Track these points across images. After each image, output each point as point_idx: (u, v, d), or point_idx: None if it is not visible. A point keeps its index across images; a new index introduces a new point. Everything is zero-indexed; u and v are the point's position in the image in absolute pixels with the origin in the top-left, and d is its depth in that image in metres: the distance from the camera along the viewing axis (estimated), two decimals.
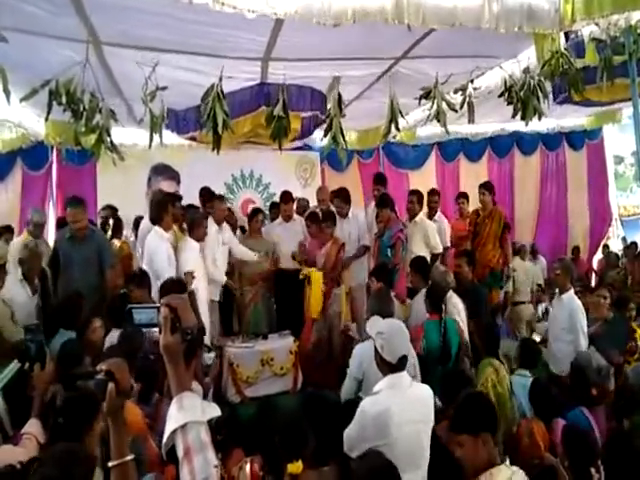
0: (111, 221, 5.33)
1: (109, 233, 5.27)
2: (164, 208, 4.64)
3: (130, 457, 1.45)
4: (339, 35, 2.85)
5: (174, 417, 1.32)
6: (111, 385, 1.41)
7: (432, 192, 6.48)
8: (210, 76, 3.82)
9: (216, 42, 3.32)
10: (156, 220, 4.58)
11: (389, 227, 5.28)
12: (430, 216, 6.15)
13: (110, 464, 1.44)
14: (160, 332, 1.41)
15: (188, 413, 1.32)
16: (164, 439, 1.33)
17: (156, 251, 4.43)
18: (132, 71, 3.61)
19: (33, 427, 2.50)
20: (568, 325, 4.18)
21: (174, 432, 1.30)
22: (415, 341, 3.87)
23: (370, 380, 3.09)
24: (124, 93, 4.53)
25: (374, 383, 2.72)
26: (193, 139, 5.14)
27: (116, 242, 5.40)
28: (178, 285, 3.76)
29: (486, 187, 6.02)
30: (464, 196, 6.76)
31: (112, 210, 5.78)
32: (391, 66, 4.20)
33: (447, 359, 3.84)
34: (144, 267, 4.56)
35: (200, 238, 4.82)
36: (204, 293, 4.77)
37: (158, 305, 1.48)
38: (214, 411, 1.48)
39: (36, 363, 2.66)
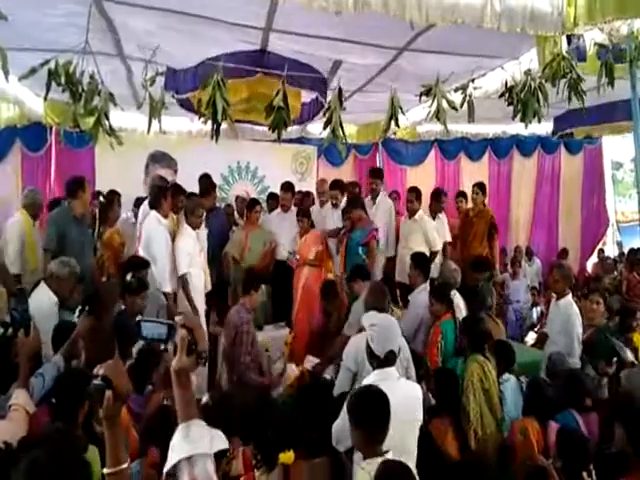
0: (97, 210, 5.29)
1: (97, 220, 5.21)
2: (163, 194, 4.66)
3: (126, 464, 1.42)
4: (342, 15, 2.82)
5: (179, 446, 1.31)
6: (108, 392, 1.37)
7: (437, 195, 6.39)
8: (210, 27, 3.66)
9: (216, 10, 3.28)
10: (154, 206, 4.59)
11: (362, 227, 5.25)
12: (433, 216, 6.10)
13: (105, 471, 1.40)
14: (174, 352, 1.38)
15: (195, 445, 1.31)
16: (166, 466, 1.32)
17: (154, 236, 4.46)
18: (134, 27, 3.57)
19: (20, 398, 2.45)
20: (563, 330, 4.17)
21: (179, 461, 1.29)
22: (432, 342, 3.91)
23: (365, 373, 3.04)
24: (124, 50, 4.27)
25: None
26: (190, 108, 4.96)
27: (110, 230, 5.27)
28: None
29: (480, 187, 6.30)
30: (463, 195, 6.86)
31: (114, 194, 5.73)
32: (394, 58, 4.17)
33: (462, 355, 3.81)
34: (140, 251, 4.57)
35: (196, 226, 4.83)
36: (200, 281, 4.79)
37: (170, 322, 1.48)
38: (221, 443, 1.49)
39: (20, 329, 2.58)
